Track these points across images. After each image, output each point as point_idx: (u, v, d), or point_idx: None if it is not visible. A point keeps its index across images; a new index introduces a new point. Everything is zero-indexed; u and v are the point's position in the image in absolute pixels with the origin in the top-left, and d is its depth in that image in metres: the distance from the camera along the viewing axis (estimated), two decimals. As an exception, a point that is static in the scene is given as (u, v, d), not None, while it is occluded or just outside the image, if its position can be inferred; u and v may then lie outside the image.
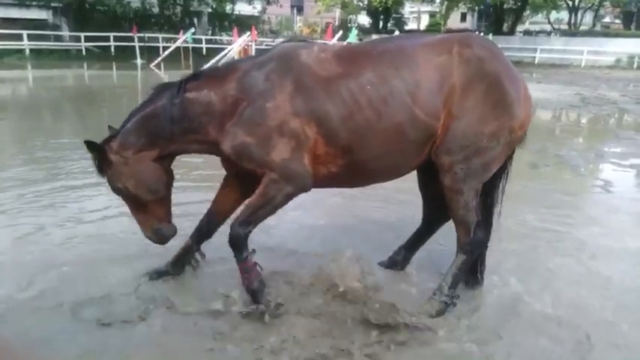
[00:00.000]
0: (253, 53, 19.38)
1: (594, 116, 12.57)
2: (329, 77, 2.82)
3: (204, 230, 3.41)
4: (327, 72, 2.83)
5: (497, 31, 34.46)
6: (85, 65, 23.91)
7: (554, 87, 18.60)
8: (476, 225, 3.05)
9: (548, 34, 40.75)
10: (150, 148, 2.98)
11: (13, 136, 8.82)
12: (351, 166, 2.91)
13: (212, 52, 26.08)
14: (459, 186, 2.92)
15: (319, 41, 3.15)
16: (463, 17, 48.63)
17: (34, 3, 27.75)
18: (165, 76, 20.32)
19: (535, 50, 30.57)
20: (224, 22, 35.93)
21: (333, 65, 2.86)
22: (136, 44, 26.47)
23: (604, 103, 14.60)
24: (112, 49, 28.05)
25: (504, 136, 2.87)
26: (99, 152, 2.95)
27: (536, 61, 30.05)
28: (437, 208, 3.37)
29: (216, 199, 3.39)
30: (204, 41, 30.33)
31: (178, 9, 33.73)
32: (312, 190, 3.02)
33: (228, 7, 35.55)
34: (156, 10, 32.65)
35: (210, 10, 34.81)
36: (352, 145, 2.82)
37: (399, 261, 3.69)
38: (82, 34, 27.11)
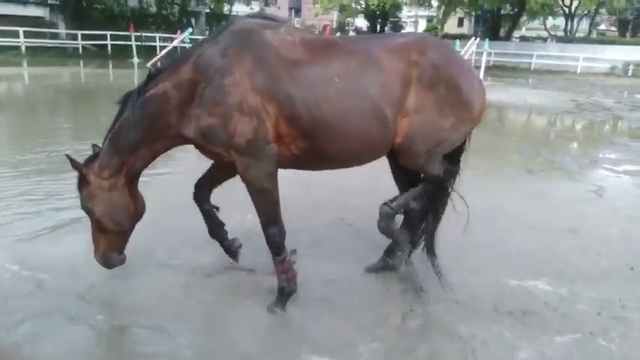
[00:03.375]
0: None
1: (589, 122, 12.64)
2: (295, 61, 2.81)
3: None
4: (293, 55, 2.83)
5: (494, 37, 34.55)
6: (82, 63, 23.78)
7: (549, 93, 18.70)
8: (444, 169, 3.27)
9: (545, 40, 40.99)
10: (121, 168, 3.01)
11: (6, 132, 8.79)
12: (313, 151, 2.93)
13: (209, 53, 26.01)
14: (427, 167, 3.17)
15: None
16: (460, 22, 48.83)
17: (30, 0, 27.65)
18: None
19: (531, 56, 30.71)
20: (222, 22, 35.89)
21: (299, 50, 2.86)
22: (133, 43, 26.38)
23: (599, 109, 14.68)
24: (109, 48, 27.96)
25: (465, 127, 3.16)
26: (79, 171, 3.02)
27: (532, 67, 30.20)
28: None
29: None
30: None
31: (176, 9, 33.71)
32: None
33: (225, 8, 35.57)
34: (153, 9, 32.64)
35: (207, 10, 34.81)
36: (315, 132, 2.84)
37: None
38: (79, 32, 27.00)
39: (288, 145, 2.88)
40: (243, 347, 2.84)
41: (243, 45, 2.78)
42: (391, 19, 47.13)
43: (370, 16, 43.59)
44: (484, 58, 22.25)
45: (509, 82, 22.54)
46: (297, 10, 59.67)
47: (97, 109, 11.34)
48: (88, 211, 3.07)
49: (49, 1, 28.49)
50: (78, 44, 27.27)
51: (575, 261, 4.12)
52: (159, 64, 22.90)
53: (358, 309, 3.26)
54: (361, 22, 49.07)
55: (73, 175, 3.15)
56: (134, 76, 20.37)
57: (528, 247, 4.34)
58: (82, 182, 3.04)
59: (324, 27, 27.65)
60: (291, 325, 3.09)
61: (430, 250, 3.54)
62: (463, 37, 30.71)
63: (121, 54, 26.80)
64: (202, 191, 3.47)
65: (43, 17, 28.44)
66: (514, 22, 39.05)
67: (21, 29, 24.32)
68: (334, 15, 47.91)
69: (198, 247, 3.92)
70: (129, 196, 3.10)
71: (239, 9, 37.16)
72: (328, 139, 2.88)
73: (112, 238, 3.14)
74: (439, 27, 39.83)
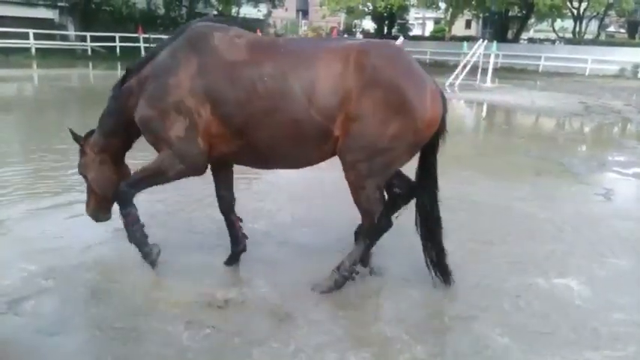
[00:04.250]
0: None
1: (598, 125, 12.56)
2: (233, 62, 2.97)
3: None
4: (233, 57, 2.99)
5: (502, 39, 34.43)
6: (91, 65, 23.98)
7: (557, 95, 18.58)
8: (379, 214, 3.21)
9: (553, 42, 40.75)
10: (106, 147, 3.50)
11: (16, 133, 8.87)
12: (247, 148, 3.10)
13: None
14: (362, 182, 3.09)
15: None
16: (468, 24, 48.70)
17: (40, 2, 27.89)
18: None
19: (539, 58, 30.52)
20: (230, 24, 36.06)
21: (241, 52, 3.01)
22: (142, 45, 26.55)
23: (607, 112, 14.57)
24: (118, 50, 28.16)
25: (408, 137, 2.97)
26: (78, 144, 3.56)
27: (540, 69, 30.02)
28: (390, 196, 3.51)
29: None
30: (209, 43, 30.37)
31: (184, 11, 33.88)
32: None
33: (233, 10, 35.71)
34: (161, 11, 32.81)
35: (215, 12, 34.95)
36: (247, 130, 3.00)
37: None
38: (88, 34, 27.24)
39: (223, 143, 3.08)
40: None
41: (192, 49, 3.02)
42: (398, 21, 47.05)
43: (377, 18, 43.60)
44: (492, 60, 22.16)
45: (517, 84, 22.43)
46: (304, 12, 59.81)
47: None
48: (83, 176, 3.62)
49: (59, 4, 28.71)
50: (87, 46, 27.49)
51: (582, 263, 4.09)
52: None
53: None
54: (368, 24, 49.05)
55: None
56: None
57: (535, 249, 4.32)
58: (81, 153, 3.58)
59: (331, 29, 27.73)
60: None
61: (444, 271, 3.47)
62: (471, 39, 30.63)
63: (130, 56, 26.84)
64: (224, 202, 3.68)
65: (52, 19, 28.66)
66: (522, 24, 38.89)
67: (31, 31, 24.54)
68: (341, 17, 47.96)
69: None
70: (113, 171, 3.56)
71: (247, 11, 37.32)
72: (258, 137, 3.01)
73: (100, 200, 3.62)
74: (446, 29, 39.73)
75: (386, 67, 2.94)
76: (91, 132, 3.57)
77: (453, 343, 3.00)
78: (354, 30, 41.89)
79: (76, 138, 3.55)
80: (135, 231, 3.41)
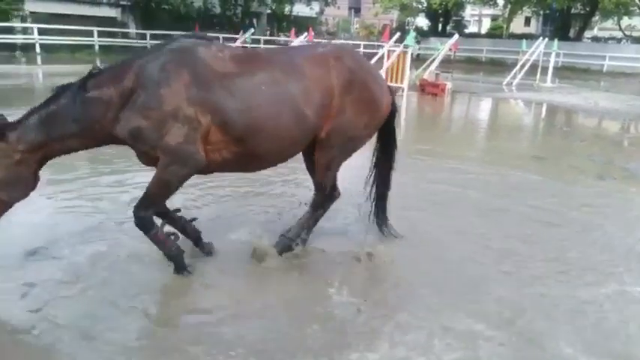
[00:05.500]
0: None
1: (667, 129, 11.79)
2: (225, 74, 3.11)
3: None
4: (224, 69, 3.13)
5: (563, 37, 32.90)
6: (149, 62, 24.84)
7: (623, 97, 17.60)
8: (331, 187, 3.81)
9: (619, 40, 38.61)
10: (39, 148, 3.03)
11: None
12: (244, 153, 3.26)
13: (269, 52, 26.49)
14: (332, 164, 3.64)
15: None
16: (527, 21, 46.91)
17: (104, 1, 29.19)
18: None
19: (604, 58, 28.99)
20: (282, 22, 36.47)
21: (229, 64, 3.17)
22: (198, 43, 27.27)
23: (679, 115, 13.66)
24: (175, 47, 29.03)
25: (375, 124, 3.66)
26: None
27: (604, 69, 28.55)
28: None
29: None
30: (262, 41, 30.89)
31: (239, 9, 34.52)
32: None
33: (286, 9, 36.06)
34: (217, 10, 33.55)
35: (269, 11, 35.42)
36: (246, 136, 3.17)
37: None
38: (148, 32, 28.24)
39: (220, 150, 3.20)
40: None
41: (181, 61, 3.07)
42: (453, 18, 45.99)
43: (431, 15, 42.83)
44: (552, 59, 21.31)
45: (580, 84, 21.44)
46: (356, 10, 59.51)
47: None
48: None
49: (121, 2, 29.96)
50: (146, 43, 28.50)
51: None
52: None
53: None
54: (422, 22, 48.20)
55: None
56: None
57: (599, 257, 4.08)
58: None
59: (384, 27, 27.44)
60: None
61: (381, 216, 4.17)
62: (530, 37, 29.52)
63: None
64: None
65: (115, 17, 29.94)
66: (585, 22, 37.09)
67: (95, 29, 25.71)
68: (394, 14, 47.40)
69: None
70: (30, 175, 3.10)
71: (299, 9, 37.57)
72: (258, 142, 3.22)
73: None
74: (504, 26, 38.47)
75: (358, 69, 3.51)
76: (10, 123, 3.00)
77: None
78: (407, 27, 41.21)
79: None
80: (169, 247, 3.39)
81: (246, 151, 3.25)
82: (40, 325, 2.87)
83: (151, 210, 3.26)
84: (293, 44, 20.58)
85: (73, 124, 3.02)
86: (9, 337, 2.81)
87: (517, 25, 43.58)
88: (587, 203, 5.50)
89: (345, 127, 3.45)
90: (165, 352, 2.72)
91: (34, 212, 4.23)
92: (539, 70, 20.74)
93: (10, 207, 3.15)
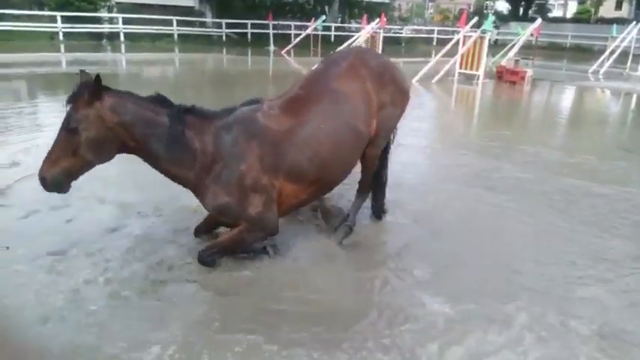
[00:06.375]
0: (381, 41, 19.27)
1: None
2: (285, 130, 3.27)
3: None
4: (282, 126, 3.28)
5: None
6: (224, 50, 25.62)
7: None
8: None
9: None
10: (129, 135, 3.02)
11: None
12: (318, 189, 3.55)
13: (340, 40, 26.39)
14: (376, 153, 3.94)
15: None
16: (618, 5, 43.40)
17: (183, -9, 30.19)
18: (294, 62, 21.12)
19: None
20: (354, 9, 36.12)
21: (283, 118, 3.31)
22: (271, 31, 27.70)
23: None
24: (249, 36, 29.69)
25: (404, 108, 3.97)
26: (91, 90, 2.89)
27: None
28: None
29: None
30: (333, 28, 30.79)
31: (311, -3, 34.53)
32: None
33: (358, -6, 35.60)
34: (290, -2, 33.77)
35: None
36: (319, 175, 3.40)
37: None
38: (224, 21, 29.06)
39: (296, 196, 3.41)
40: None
41: (247, 133, 3.22)
42: (536, 2, 43.41)
43: (512, -1, 40.68)
44: (647, 45, 19.57)
45: (677, 72, 19.53)
46: (432, -5, 57.70)
47: (233, 93, 12.11)
48: (72, 131, 2.91)
49: (199, -8, 30.87)
50: (222, 32, 29.34)
51: None
52: (292, 52, 23.94)
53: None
54: (502, 5, 45.86)
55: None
56: (269, 62, 21.41)
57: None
58: (84, 101, 2.90)
59: (461, 12, 26.44)
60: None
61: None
62: (621, 22, 27.28)
63: (259, 42, 28.33)
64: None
65: (192, 7, 30.94)
66: (687, 3, 33.74)
67: (174, 18, 26.80)
68: (471, -1, 45.48)
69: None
70: (115, 148, 3.08)
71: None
72: (329, 174, 3.47)
73: (72, 165, 2.97)
74: (592, 10, 35.86)
75: (383, 66, 3.77)
76: (112, 91, 3.02)
77: None
78: (485, 12, 39.30)
79: (95, 80, 2.89)
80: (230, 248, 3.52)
81: (320, 186, 3.52)
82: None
83: (214, 258, 3.43)
84: (364, 31, 20.35)
85: (162, 146, 3.08)
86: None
87: (608, 9, 40.52)
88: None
89: (386, 119, 3.77)
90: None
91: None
92: (629, 57, 19.14)
93: (91, 168, 3.08)
